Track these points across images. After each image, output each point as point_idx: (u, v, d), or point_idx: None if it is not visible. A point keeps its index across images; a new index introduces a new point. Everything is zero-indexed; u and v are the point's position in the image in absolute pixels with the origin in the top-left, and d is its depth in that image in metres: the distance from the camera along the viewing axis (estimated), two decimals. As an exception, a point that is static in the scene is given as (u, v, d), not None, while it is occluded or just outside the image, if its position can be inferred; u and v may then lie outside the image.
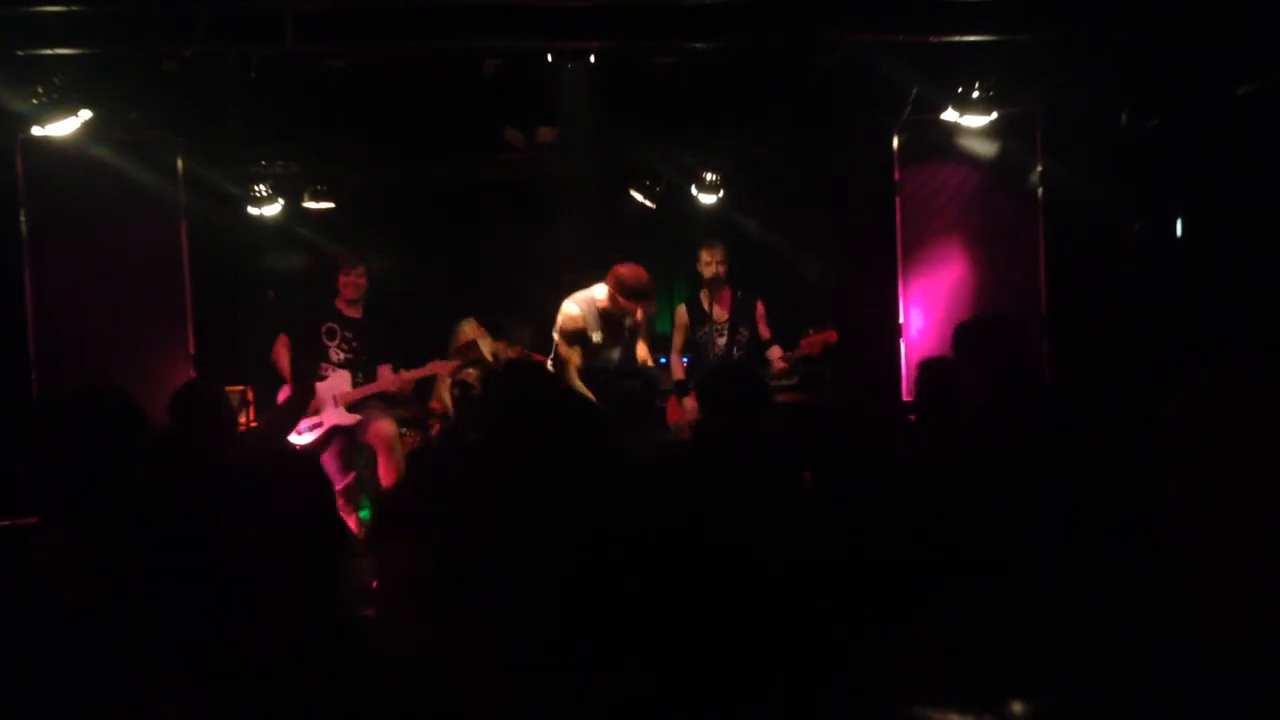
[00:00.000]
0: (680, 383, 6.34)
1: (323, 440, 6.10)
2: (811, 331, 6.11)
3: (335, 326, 6.25)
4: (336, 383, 6.17)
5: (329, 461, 6.06)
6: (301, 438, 6.07)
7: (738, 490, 2.64)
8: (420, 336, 7.04)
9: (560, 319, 5.65)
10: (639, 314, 5.74)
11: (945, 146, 6.35)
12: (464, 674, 1.98)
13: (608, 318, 5.64)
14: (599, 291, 5.60)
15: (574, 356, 5.62)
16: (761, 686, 1.89)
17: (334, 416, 6.13)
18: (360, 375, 6.25)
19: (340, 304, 6.29)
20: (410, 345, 6.74)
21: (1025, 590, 1.95)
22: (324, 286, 6.41)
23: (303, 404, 5.69)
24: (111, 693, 1.71)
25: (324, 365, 6.21)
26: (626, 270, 5.48)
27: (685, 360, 6.54)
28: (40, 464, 1.99)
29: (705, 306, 6.44)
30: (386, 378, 6.26)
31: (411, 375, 6.34)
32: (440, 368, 6.52)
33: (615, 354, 5.73)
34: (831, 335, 6.10)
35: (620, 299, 5.50)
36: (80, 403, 1.99)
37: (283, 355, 6.19)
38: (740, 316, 6.47)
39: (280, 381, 6.29)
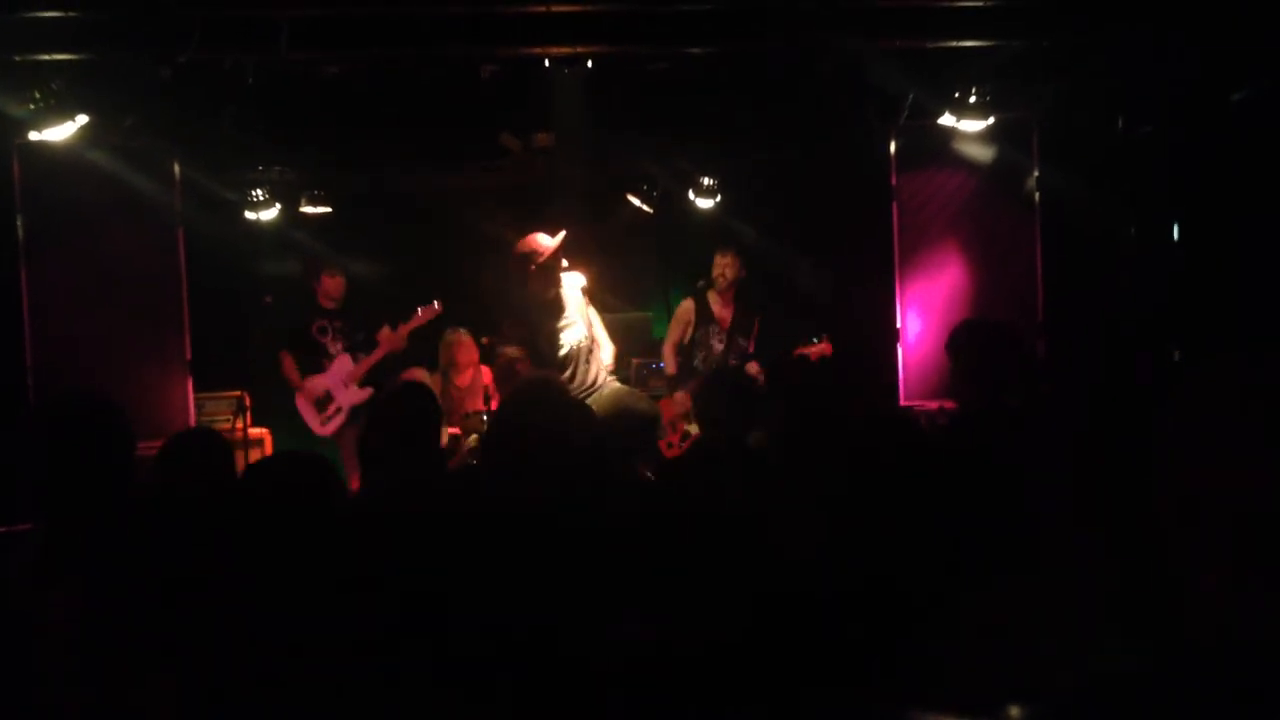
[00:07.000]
0: (673, 378, 6.32)
1: (347, 423, 6.34)
2: (812, 342, 6.03)
3: (325, 323, 6.53)
4: (340, 367, 6.48)
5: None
6: (325, 426, 6.38)
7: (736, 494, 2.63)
8: (415, 338, 7.00)
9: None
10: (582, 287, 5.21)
11: (942, 152, 6.35)
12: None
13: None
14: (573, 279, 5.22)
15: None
16: (757, 688, 1.88)
17: (348, 397, 6.41)
18: (361, 354, 6.49)
19: (324, 302, 6.57)
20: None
21: (1018, 592, 1.94)
22: (308, 292, 6.66)
23: None
24: (103, 696, 1.71)
25: (324, 360, 6.48)
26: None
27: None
28: (28, 469, 1.99)
29: (712, 307, 6.43)
30: (387, 337, 6.43)
31: (406, 328, 6.43)
32: (430, 312, 6.47)
33: (578, 333, 5.13)
34: (827, 348, 6.01)
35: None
36: (67, 409, 1.99)
37: (291, 370, 6.49)
38: (741, 327, 6.45)
39: (293, 391, 6.55)
